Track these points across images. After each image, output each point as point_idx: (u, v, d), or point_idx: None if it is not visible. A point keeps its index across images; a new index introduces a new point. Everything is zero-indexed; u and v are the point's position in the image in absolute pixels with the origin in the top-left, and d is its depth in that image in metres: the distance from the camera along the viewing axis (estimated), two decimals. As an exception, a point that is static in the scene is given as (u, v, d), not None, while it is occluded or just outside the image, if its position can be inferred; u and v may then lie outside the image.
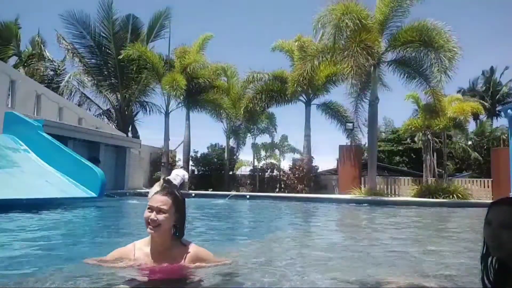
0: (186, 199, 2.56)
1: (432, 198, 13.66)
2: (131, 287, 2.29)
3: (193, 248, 2.46)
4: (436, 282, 2.77)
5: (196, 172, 22.22)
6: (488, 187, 17.36)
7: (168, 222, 2.37)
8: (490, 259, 1.65)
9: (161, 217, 2.34)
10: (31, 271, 2.88)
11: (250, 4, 53.59)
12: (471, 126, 30.25)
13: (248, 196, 14.31)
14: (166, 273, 2.38)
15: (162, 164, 19.50)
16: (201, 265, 2.44)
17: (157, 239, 2.40)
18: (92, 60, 21.58)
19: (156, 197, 2.41)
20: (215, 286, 2.38)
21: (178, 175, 14.71)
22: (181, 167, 17.60)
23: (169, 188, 2.61)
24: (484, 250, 1.65)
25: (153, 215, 2.34)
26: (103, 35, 21.01)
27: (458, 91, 31.93)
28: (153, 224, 2.33)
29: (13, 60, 23.41)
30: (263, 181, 20.37)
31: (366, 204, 12.59)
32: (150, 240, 2.43)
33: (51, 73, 23.75)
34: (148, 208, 2.37)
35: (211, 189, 17.39)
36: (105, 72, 21.58)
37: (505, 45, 49.92)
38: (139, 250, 2.45)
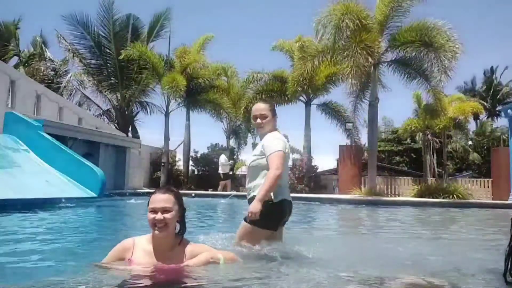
0: (184, 198, 2.55)
1: (432, 198, 13.66)
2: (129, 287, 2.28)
3: (193, 247, 2.45)
4: (439, 279, 2.77)
5: (196, 172, 22.22)
6: (488, 187, 17.36)
7: (174, 220, 2.37)
8: None
9: (167, 215, 2.32)
10: (30, 271, 2.88)
11: (251, 4, 53.64)
12: (471, 126, 30.32)
13: (248, 196, 14.28)
14: (167, 273, 2.37)
15: (162, 164, 19.50)
16: (200, 261, 2.41)
17: (163, 239, 2.38)
18: (92, 60, 21.58)
19: (158, 197, 2.37)
20: (216, 286, 2.37)
21: (226, 160, 16.56)
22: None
23: (168, 185, 2.62)
24: (511, 248, 1.67)
25: (158, 216, 2.31)
26: (104, 35, 21.01)
27: (458, 91, 31.95)
28: (160, 225, 2.31)
29: (13, 60, 23.47)
30: (263, 181, 20.33)
31: (366, 204, 12.59)
32: (153, 239, 2.40)
33: (52, 73, 23.77)
34: (151, 211, 2.33)
35: (211, 189, 17.38)
36: (105, 72, 21.57)
37: (505, 45, 49.96)
38: (139, 247, 2.42)
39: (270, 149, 3.07)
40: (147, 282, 2.32)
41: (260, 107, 3.32)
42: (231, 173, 17.71)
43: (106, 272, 2.39)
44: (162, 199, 2.36)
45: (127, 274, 2.34)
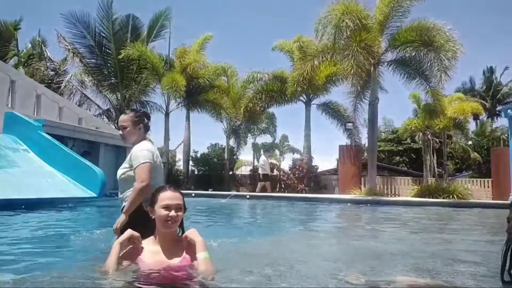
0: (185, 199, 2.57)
1: (432, 198, 13.65)
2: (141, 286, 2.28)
3: (187, 233, 2.51)
4: (437, 279, 2.78)
5: (196, 172, 22.23)
6: (488, 187, 17.35)
7: (182, 217, 2.50)
8: (510, 252, 1.73)
9: (180, 213, 2.45)
10: (31, 272, 2.88)
11: (251, 4, 53.66)
12: (471, 126, 30.33)
13: (248, 196, 14.29)
14: (175, 270, 2.38)
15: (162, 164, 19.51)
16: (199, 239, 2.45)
17: (170, 235, 2.47)
18: (92, 60, 21.55)
19: (171, 194, 2.46)
20: (219, 285, 2.37)
21: (265, 161, 16.77)
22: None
23: (174, 184, 2.66)
24: (507, 246, 1.73)
25: (172, 213, 2.41)
26: (103, 34, 20.98)
27: (458, 91, 31.93)
28: (173, 221, 2.41)
29: (13, 60, 23.44)
30: (263, 181, 20.33)
31: (366, 204, 12.59)
32: (158, 238, 2.47)
33: (52, 73, 23.76)
34: (165, 207, 2.41)
35: (211, 189, 17.38)
36: (105, 72, 21.56)
37: (505, 45, 49.97)
38: (145, 249, 2.46)
39: (136, 162, 3.10)
40: (155, 281, 2.33)
41: (121, 119, 3.31)
42: (271, 174, 17.62)
43: (113, 273, 2.39)
44: (175, 196, 2.47)
45: (134, 274, 2.36)
